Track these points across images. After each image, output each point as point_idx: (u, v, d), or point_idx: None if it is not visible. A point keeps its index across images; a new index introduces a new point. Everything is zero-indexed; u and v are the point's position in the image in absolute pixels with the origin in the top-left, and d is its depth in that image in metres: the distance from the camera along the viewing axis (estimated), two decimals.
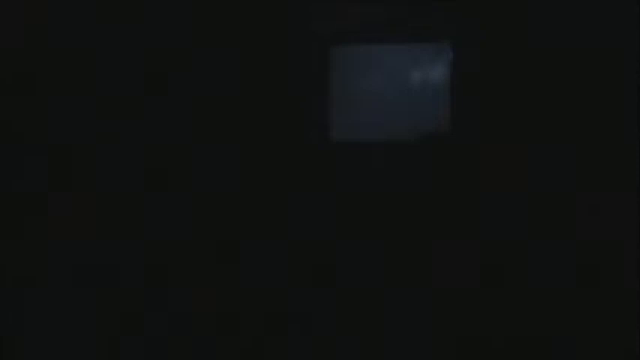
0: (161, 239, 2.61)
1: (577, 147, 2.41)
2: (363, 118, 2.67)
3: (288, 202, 2.63)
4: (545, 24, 2.44)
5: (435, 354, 2.38)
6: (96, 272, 2.58)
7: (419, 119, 2.62)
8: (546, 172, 2.44)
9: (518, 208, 2.45)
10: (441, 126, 2.58)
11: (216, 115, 2.70)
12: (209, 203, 2.66)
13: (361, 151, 2.63)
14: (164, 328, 2.52)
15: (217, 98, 2.70)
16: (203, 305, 2.55)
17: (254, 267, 2.61)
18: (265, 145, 2.67)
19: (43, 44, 2.58)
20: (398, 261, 2.52)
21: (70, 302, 2.56)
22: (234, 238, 2.63)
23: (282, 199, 2.63)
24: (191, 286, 2.57)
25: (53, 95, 2.63)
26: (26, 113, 2.59)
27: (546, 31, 2.44)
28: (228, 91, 2.70)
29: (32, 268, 2.55)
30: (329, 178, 2.63)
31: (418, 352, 2.38)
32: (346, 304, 2.51)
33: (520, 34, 2.47)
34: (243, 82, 2.69)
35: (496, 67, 2.50)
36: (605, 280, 2.27)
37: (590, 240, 2.31)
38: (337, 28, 2.69)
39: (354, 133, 2.66)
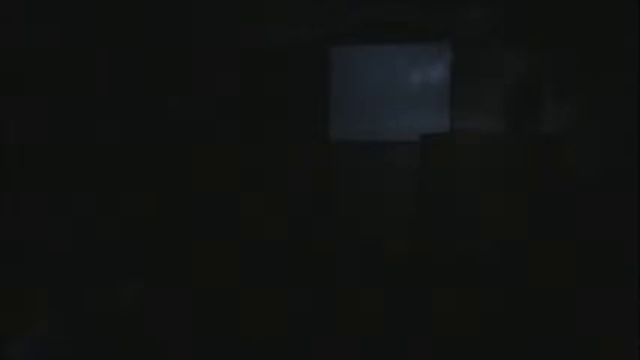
0: None
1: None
2: (363, 118, 2.67)
3: (287, 201, 2.63)
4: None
5: None
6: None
7: (419, 119, 2.62)
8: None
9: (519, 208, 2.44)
10: (441, 126, 2.57)
11: (216, 115, 2.71)
12: (208, 203, 2.67)
13: (360, 151, 2.63)
14: None
15: (216, 98, 2.71)
16: None
17: (252, 267, 2.62)
18: (266, 145, 2.67)
19: None
20: (397, 260, 2.51)
21: None
22: (234, 238, 2.64)
23: (281, 198, 2.64)
24: None
25: None
26: None
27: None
28: (228, 91, 2.71)
29: None
30: (328, 177, 2.63)
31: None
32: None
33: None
34: (243, 83, 2.70)
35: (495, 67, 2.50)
36: None
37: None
38: (337, 28, 2.70)
39: (353, 133, 2.66)
